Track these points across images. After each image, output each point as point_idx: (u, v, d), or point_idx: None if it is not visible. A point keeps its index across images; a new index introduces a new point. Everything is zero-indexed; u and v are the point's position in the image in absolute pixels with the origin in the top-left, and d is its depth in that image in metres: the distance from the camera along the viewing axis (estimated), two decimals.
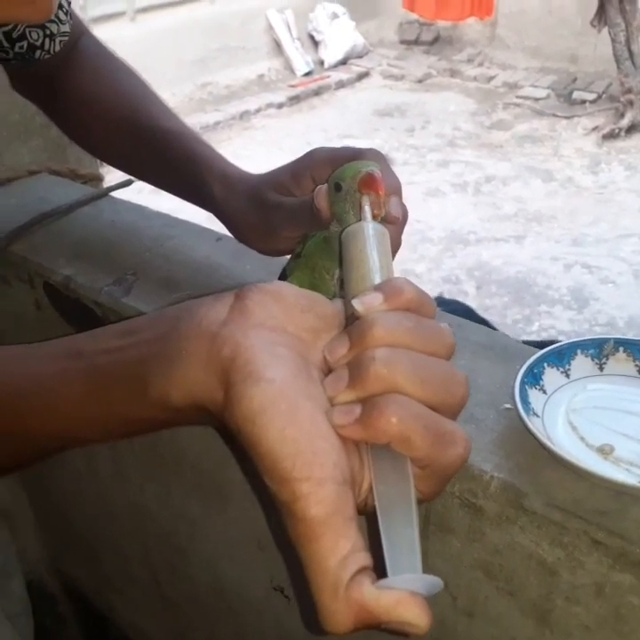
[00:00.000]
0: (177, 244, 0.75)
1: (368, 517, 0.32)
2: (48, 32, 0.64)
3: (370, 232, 0.38)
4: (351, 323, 0.33)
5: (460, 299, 3.14)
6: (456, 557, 0.53)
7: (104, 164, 0.78)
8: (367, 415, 0.30)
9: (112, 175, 0.87)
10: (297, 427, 0.29)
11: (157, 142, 0.63)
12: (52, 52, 0.65)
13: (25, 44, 0.63)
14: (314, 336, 0.34)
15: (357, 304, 0.33)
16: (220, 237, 0.76)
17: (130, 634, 1.02)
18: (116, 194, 0.89)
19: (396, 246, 0.53)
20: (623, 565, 0.44)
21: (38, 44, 0.64)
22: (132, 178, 0.91)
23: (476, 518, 0.50)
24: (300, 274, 0.55)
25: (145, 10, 5.29)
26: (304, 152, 0.55)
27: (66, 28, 0.66)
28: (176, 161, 0.62)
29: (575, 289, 3.23)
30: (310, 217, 0.50)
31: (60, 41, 0.66)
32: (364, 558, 0.28)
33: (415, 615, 0.28)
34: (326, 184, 0.49)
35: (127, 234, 0.78)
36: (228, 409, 0.30)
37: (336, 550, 0.28)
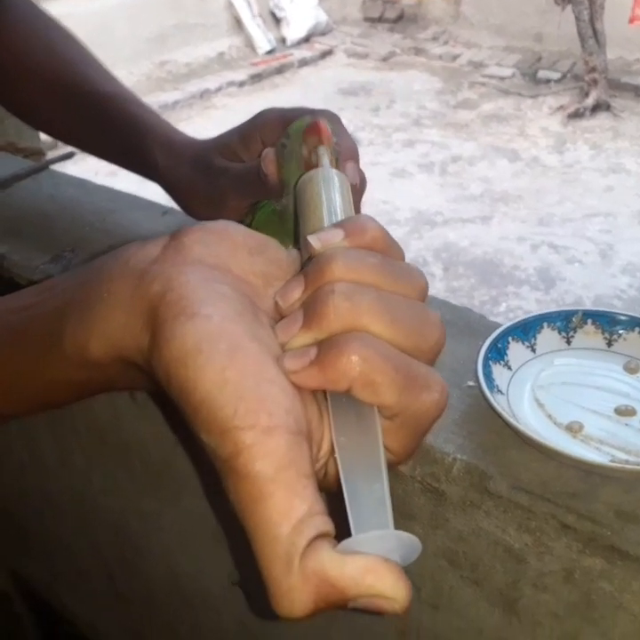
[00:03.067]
0: (119, 219, 0.71)
1: (329, 495, 0.26)
2: None
3: (329, 174, 0.34)
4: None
5: (428, 281, 3.12)
6: None
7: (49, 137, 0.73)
8: (324, 354, 0.25)
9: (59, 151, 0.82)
10: (240, 368, 0.24)
11: (94, 107, 0.58)
12: None
13: None
14: (264, 281, 0.28)
15: (314, 240, 0.28)
16: (166, 211, 0.71)
17: (85, 631, 0.98)
18: (59, 167, 0.84)
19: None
20: (594, 549, 0.41)
21: None
22: (74, 150, 0.85)
23: (438, 504, 0.47)
24: None
25: None
26: None
27: None
28: (115, 127, 0.57)
29: (542, 269, 3.24)
30: (258, 183, 0.46)
31: None
32: (324, 523, 0.23)
33: (390, 585, 0.23)
34: (274, 147, 0.45)
35: (67, 209, 0.73)
36: (156, 353, 0.25)
37: (289, 513, 0.22)
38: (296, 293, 0.27)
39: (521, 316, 0.53)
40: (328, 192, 0.32)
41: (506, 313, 2.93)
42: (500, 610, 0.48)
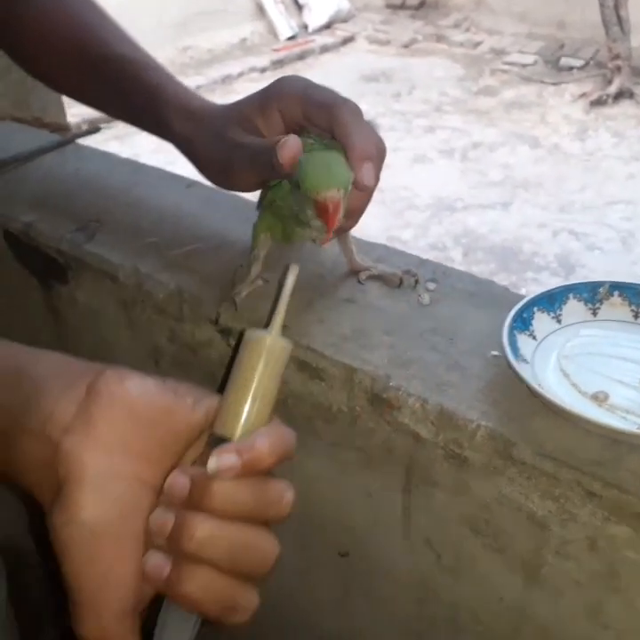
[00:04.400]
0: (144, 191, 0.71)
1: None
2: None
3: (271, 358, 0.35)
4: (212, 442, 0.34)
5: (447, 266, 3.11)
6: (440, 512, 0.50)
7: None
8: (171, 581, 0.33)
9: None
10: (92, 572, 0.32)
11: (112, 71, 0.58)
12: None
13: None
14: (160, 451, 0.34)
15: (211, 463, 0.33)
16: (191, 184, 0.72)
17: None
18: (84, 141, 0.84)
19: (360, 211, 0.50)
20: (619, 517, 0.41)
21: None
22: (100, 125, 0.86)
23: (461, 470, 0.47)
24: (271, 222, 0.52)
25: None
26: None
27: None
28: (132, 91, 0.58)
29: (562, 256, 3.21)
30: (269, 165, 0.46)
31: None
32: None
33: None
34: (290, 140, 0.46)
35: (92, 181, 0.74)
36: (47, 521, 0.33)
37: None
38: (180, 492, 0.33)
39: (547, 288, 0.53)
40: (259, 371, 0.35)
41: None
42: (521, 578, 0.48)
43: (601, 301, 0.53)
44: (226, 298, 0.55)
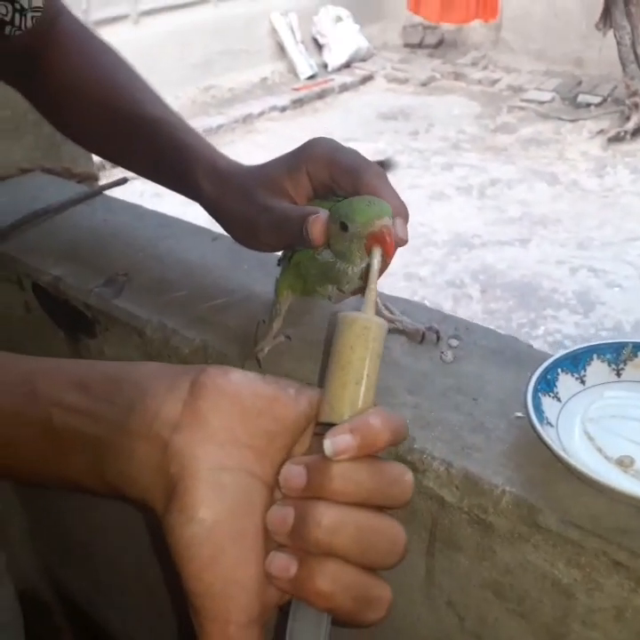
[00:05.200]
0: (171, 245, 0.72)
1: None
2: (17, 6, 0.59)
3: (367, 326, 0.36)
4: (320, 431, 0.34)
5: (465, 303, 3.11)
6: (464, 576, 0.50)
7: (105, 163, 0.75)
8: (300, 579, 0.31)
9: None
10: (215, 572, 0.31)
11: (141, 132, 0.60)
12: (23, 28, 0.61)
13: None
14: (267, 442, 0.33)
15: (328, 445, 0.32)
16: (216, 237, 0.73)
17: None
18: (111, 192, 0.86)
19: (383, 269, 0.51)
20: None
21: (8, 19, 0.59)
22: (127, 176, 0.88)
23: (485, 535, 0.47)
24: (293, 280, 0.53)
25: (148, 13, 5.27)
26: None
27: (38, 2, 0.61)
28: (162, 152, 0.59)
29: (581, 293, 3.20)
30: (297, 234, 0.47)
31: (32, 17, 0.61)
32: None
33: None
34: (322, 214, 0.46)
35: (120, 233, 0.75)
36: (163, 524, 0.32)
37: None
38: (297, 484, 0.32)
39: (570, 348, 0.53)
40: (360, 351, 0.35)
41: (544, 336, 2.90)
42: None
43: (625, 362, 0.53)
44: (249, 355, 0.56)
